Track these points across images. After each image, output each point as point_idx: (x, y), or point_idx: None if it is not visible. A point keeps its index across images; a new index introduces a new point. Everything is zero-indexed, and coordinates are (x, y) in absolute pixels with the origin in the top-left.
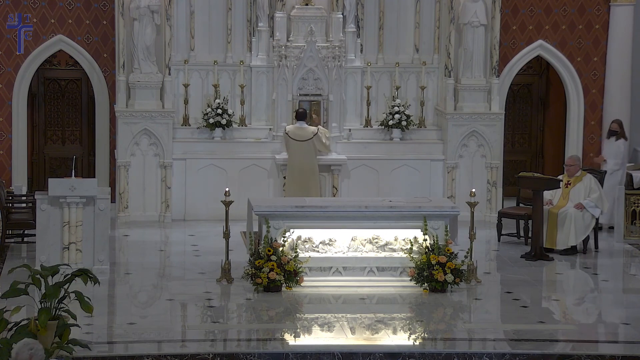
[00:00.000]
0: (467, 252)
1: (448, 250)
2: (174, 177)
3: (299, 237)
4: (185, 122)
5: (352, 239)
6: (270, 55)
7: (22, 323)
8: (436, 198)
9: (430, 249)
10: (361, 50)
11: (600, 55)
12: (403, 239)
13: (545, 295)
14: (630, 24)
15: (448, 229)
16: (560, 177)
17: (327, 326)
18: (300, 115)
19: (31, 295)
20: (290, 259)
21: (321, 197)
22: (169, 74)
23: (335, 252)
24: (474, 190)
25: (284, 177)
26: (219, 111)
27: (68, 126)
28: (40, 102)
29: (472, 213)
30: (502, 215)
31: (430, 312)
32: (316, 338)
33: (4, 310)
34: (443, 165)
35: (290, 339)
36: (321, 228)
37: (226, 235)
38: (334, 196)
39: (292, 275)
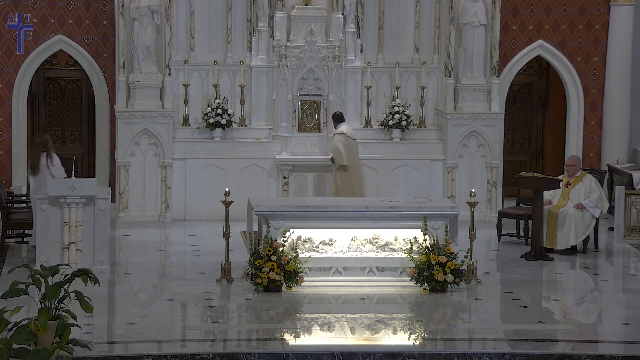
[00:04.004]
0: (467, 252)
1: (448, 250)
2: (174, 177)
3: (299, 237)
4: (185, 122)
5: (352, 239)
6: (270, 55)
7: (22, 323)
8: (436, 198)
9: (430, 249)
10: (361, 50)
11: (600, 55)
12: (403, 239)
13: (545, 295)
14: (630, 24)
15: (448, 229)
16: (560, 177)
17: (327, 326)
18: (342, 118)
19: (31, 295)
20: (290, 259)
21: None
22: (169, 74)
23: (335, 252)
24: (474, 190)
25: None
26: (219, 111)
27: (68, 126)
28: (40, 102)
29: (472, 213)
30: (502, 215)
31: (430, 312)
32: (316, 338)
33: (4, 310)
34: (443, 165)
35: (290, 339)
36: (321, 228)
37: (226, 235)
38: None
39: (292, 275)
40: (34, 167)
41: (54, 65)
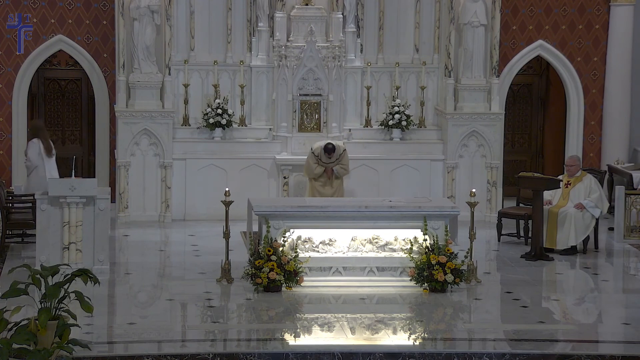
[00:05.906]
0: (467, 252)
1: (448, 250)
2: (174, 177)
3: (299, 237)
4: (185, 122)
5: (352, 239)
6: (270, 55)
7: (22, 323)
8: (436, 198)
9: (430, 249)
10: (361, 50)
11: (600, 55)
12: (403, 239)
13: (545, 295)
14: (630, 24)
15: (448, 229)
16: (560, 177)
17: (327, 326)
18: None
19: (31, 295)
20: (290, 259)
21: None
22: (169, 74)
23: (335, 252)
24: (474, 190)
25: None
26: (219, 111)
27: (68, 126)
28: (40, 102)
29: (472, 213)
30: (502, 215)
31: (430, 312)
32: (316, 338)
33: (4, 310)
34: (443, 165)
35: (290, 339)
36: (321, 228)
37: (226, 235)
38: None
39: (292, 275)
40: (50, 148)
41: (54, 65)
